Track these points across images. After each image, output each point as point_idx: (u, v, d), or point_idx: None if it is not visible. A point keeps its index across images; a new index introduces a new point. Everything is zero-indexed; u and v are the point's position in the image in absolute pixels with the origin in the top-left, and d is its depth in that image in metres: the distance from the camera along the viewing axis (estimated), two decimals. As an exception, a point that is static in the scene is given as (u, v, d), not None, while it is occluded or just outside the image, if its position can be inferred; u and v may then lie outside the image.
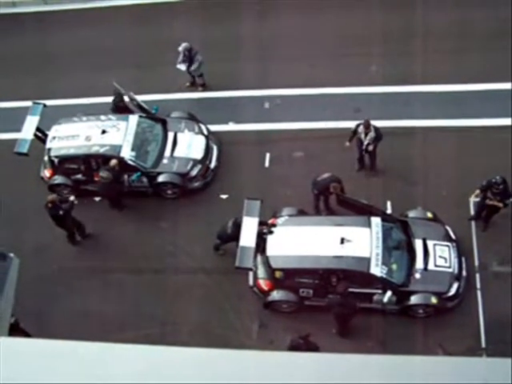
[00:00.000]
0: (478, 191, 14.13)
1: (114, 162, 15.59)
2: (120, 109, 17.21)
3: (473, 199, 14.16)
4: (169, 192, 16.53)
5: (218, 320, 14.52)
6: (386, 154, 15.84)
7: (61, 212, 15.01)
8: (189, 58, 17.44)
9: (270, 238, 14.12)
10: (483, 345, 13.32)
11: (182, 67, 17.54)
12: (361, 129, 15.13)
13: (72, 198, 15.22)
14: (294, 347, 12.29)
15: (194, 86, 18.47)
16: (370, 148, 15.34)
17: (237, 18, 19.69)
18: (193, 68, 17.65)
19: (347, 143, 15.58)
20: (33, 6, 21.88)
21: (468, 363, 3.90)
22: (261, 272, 14.20)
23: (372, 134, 15.06)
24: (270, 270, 13.93)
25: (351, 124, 15.66)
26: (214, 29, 19.44)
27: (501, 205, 13.86)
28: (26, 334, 13.75)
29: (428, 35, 18.02)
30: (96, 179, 16.17)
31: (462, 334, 13.50)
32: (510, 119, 16.10)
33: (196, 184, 16.51)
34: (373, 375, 3.71)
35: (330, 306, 13.14)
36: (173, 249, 15.78)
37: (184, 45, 17.30)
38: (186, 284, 15.19)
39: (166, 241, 15.92)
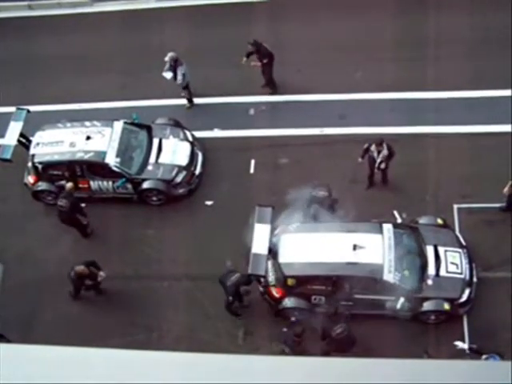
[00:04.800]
0: (511, 182, 14.07)
1: (69, 185, 15.41)
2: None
3: (507, 191, 14.13)
4: (154, 198, 16.49)
5: (203, 327, 14.48)
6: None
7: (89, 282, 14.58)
8: (174, 68, 17.34)
9: (282, 245, 13.95)
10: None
11: (168, 75, 17.40)
12: (373, 147, 14.88)
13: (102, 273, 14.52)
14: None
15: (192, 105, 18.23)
16: (383, 166, 15.09)
17: (223, 25, 19.72)
18: (178, 82, 17.50)
19: (360, 159, 15.29)
20: (18, 11, 21.75)
21: (454, 366, 3.92)
22: (272, 279, 14.00)
23: (385, 152, 14.83)
24: (282, 278, 13.76)
25: (336, 130, 15.71)
26: (201, 35, 19.44)
27: None
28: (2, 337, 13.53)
29: (416, 43, 18.05)
30: (81, 186, 16.14)
31: (446, 338, 13.56)
32: (496, 126, 16.22)
33: (181, 190, 16.48)
34: (364, 378, 3.70)
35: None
36: (158, 255, 15.74)
37: (170, 54, 17.17)
38: (172, 290, 15.16)
39: (151, 247, 15.89)
